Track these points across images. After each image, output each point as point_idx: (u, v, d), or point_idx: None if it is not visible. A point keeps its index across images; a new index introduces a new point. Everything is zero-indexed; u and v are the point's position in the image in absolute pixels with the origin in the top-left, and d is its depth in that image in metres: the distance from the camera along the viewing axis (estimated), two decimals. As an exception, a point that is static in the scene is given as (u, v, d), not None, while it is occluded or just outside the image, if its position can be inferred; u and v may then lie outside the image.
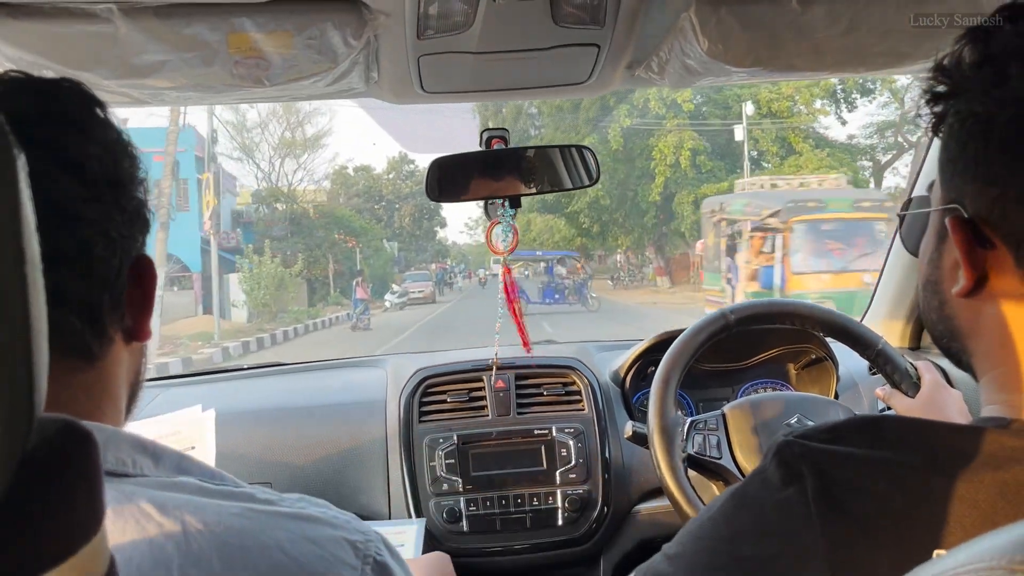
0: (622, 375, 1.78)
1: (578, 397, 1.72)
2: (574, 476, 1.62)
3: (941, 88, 0.66)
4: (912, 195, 0.86)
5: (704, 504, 1.28)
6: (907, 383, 1.38)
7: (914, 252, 0.79)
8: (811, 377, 1.82)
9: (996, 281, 0.63)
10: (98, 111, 0.64)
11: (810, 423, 1.39)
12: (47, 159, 0.57)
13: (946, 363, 1.57)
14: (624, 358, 1.79)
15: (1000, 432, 0.62)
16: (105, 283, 0.61)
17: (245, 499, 0.61)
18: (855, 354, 1.79)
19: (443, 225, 51.96)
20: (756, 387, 1.86)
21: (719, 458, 1.36)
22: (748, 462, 1.35)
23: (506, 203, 1.52)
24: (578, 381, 1.73)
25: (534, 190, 1.53)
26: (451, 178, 1.48)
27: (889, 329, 1.93)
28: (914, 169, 1.67)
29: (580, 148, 1.50)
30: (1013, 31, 0.61)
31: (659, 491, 1.64)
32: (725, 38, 1.08)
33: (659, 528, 1.65)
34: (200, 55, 1.08)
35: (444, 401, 1.70)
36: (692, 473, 1.36)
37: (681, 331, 1.64)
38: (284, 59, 1.12)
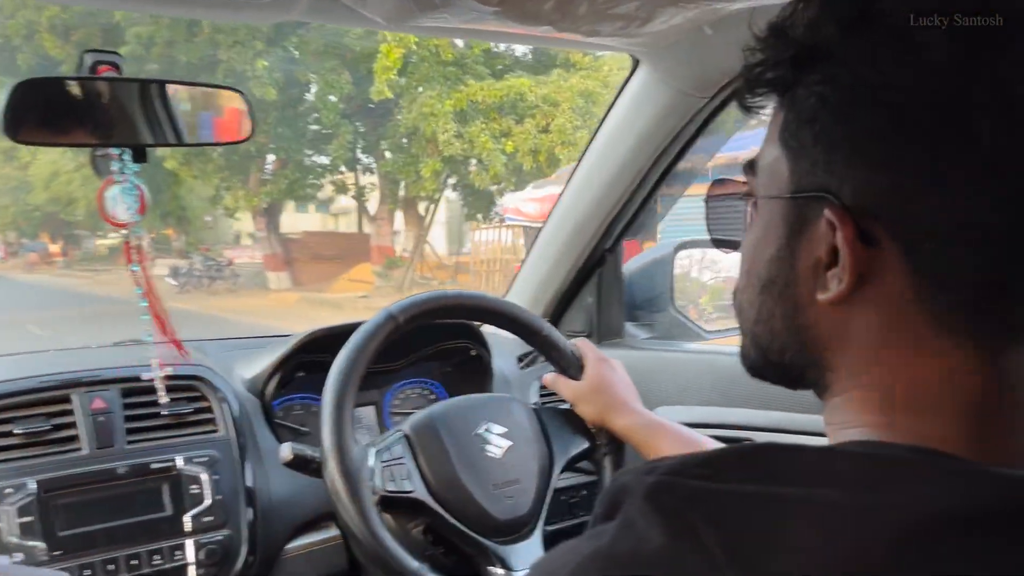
0: (261, 384, 1.44)
1: (209, 415, 1.34)
2: (210, 519, 1.24)
3: (791, 51, 0.54)
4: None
5: (408, 554, 1.09)
6: (573, 367, 1.33)
7: (731, 246, 0.67)
8: (464, 374, 1.68)
9: (875, 284, 0.52)
10: None
11: (499, 427, 1.26)
12: None
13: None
14: (264, 363, 1.45)
15: (919, 460, 0.51)
16: None
17: None
18: (504, 350, 1.72)
19: None
20: (405, 388, 1.67)
21: (412, 491, 1.16)
22: (442, 486, 1.18)
23: (125, 155, 1.09)
24: (208, 395, 1.35)
25: (163, 141, 1.13)
26: (41, 111, 1.01)
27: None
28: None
29: (231, 91, 1.15)
30: None
31: (315, 522, 1.37)
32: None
33: (315, 567, 1.36)
34: None
35: (10, 434, 1.19)
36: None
37: (341, 327, 1.39)
38: None
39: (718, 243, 0.71)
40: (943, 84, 0.48)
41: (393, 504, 1.16)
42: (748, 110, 0.61)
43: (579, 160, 1.64)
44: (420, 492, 1.16)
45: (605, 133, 1.56)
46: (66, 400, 1.24)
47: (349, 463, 1.11)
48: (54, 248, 28.12)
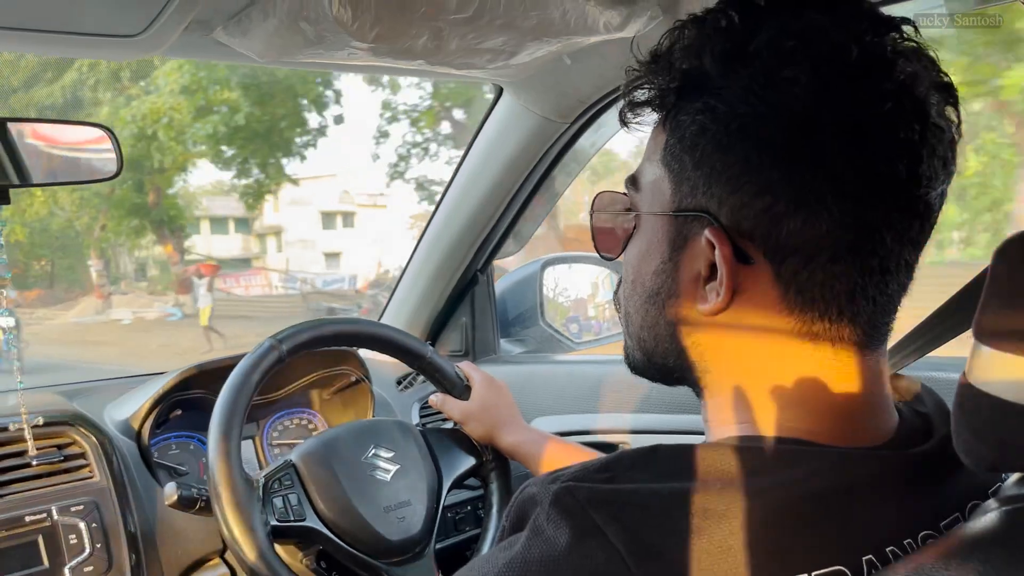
0: (136, 425, 1.39)
1: (84, 461, 1.28)
2: (91, 569, 1.20)
3: (676, 79, 0.60)
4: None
5: None
6: (458, 388, 1.38)
7: (610, 257, 0.73)
8: (343, 401, 1.69)
9: (749, 297, 0.59)
10: None
11: (387, 451, 1.29)
12: None
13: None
14: (137, 403, 1.40)
15: (787, 449, 0.58)
16: None
17: None
18: (383, 374, 1.74)
19: None
20: (283, 419, 1.66)
21: (303, 519, 1.17)
22: (333, 512, 1.19)
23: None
24: (81, 440, 1.30)
25: (25, 181, 1.09)
26: None
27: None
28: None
29: (98, 128, 1.12)
30: (777, 26, 0.56)
31: (202, 562, 1.34)
32: (354, 2, 0.89)
33: None
34: None
35: None
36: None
37: (218, 362, 1.38)
38: None
39: (605, 256, 0.76)
40: (803, 117, 0.54)
41: (285, 534, 1.16)
42: (628, 126, 0.66)
43: (447, 185, 1.68)
44: (312, 520, 1.17)
45: (472, 158, 1.61)
46: None
47: (239, 497, 1.11)
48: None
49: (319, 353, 1.55)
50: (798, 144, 0.54)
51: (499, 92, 1.49)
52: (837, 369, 0.58)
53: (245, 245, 21.91)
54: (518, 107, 1.49)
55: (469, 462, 1.37)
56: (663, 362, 0.66)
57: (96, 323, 14.34)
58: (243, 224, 21.47)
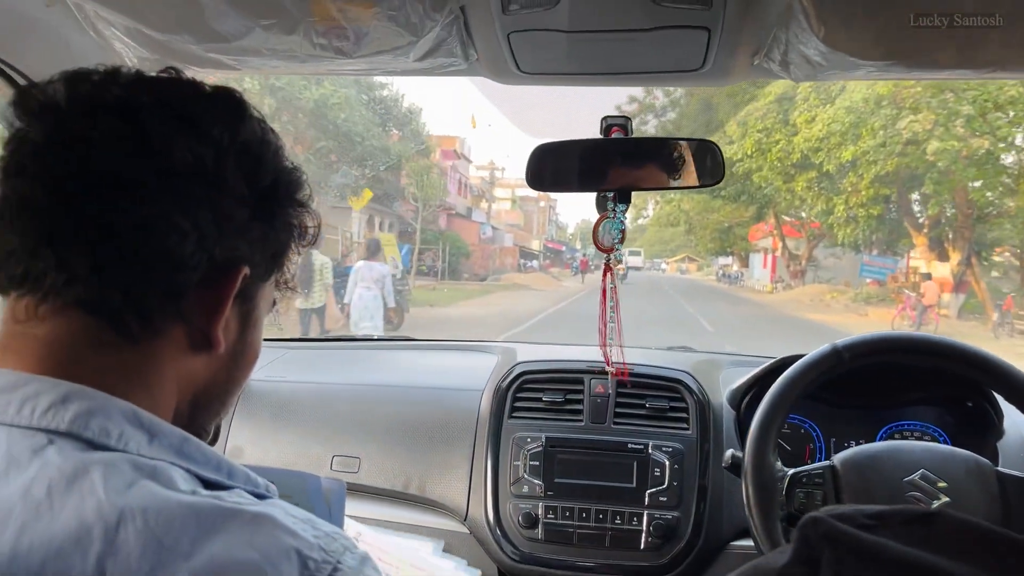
0: (739, 397, 1.61)
1: (683, 415, 1.58)
2: (664, 499, 1.49)
3: None
4: None
5: None
6: None
7: None
8: (967, 427, 1.57)
9: None
10: (224, 114, 0.64)
11: (940, 481, 1.20)
12: (132, 137, 0.59)
13: None
14: (740, 380, 1.62)
15: None
16: (155, 269, 0.60)
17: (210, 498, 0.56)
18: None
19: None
20: (901, 429, 1.63)
21: None
22: None
23: (616, 197, 1.41)
24: (687, 398, 1.59)
25: (648, 186, 1.41)
26: (555, 167, 1.39)
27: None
28: None
29: (704, 142, 1.36)
30: None
31: None
32: (847, 24, 0.92)
33: None
34: (280, 22, 1.06)
35: (539, 399, 1.62)
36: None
37: (797, 357, 1.49)
38: (365, 30, 1.08)
39: None
40: None
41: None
42: None
43: None
44: None
45: None
46: (579, 381, 1.62)
47: (763, 478, 1.23)
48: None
49: (938, 371, 1.49)
50: None
51: None
52: None
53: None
54: None
55: None
56: None
57: None
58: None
